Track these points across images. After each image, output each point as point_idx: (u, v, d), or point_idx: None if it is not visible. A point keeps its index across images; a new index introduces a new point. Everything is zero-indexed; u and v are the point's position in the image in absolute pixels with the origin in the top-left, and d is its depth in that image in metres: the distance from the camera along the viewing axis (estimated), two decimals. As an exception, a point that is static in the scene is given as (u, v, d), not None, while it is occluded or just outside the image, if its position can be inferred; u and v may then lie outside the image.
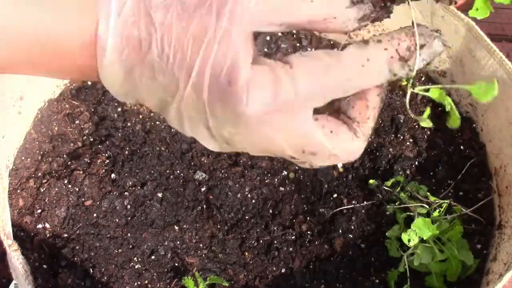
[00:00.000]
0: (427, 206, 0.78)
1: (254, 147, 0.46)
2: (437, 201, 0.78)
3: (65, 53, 0.48)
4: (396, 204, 0.79)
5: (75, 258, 0.75)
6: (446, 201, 0.78)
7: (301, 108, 0.44)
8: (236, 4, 0.43)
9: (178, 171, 0.83)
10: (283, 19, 0.44)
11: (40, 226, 0.78)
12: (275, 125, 0.44)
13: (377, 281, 0.77)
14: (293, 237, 0.79)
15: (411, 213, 0.77)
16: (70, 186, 0.81)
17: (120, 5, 0.47)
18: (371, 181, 0.83)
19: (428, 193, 0.79)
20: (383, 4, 0.44)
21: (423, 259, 0.74)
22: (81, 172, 0.82)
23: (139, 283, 0.76)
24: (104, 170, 0.83)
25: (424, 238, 0.74)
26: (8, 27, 0.45)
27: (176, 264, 0.77)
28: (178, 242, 0.78)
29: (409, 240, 0.74)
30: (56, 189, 0.80)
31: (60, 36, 0.47)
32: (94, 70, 0.48)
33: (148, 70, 0.47)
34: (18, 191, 0.80)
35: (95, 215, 0.80)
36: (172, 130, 0.84)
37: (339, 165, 0.85)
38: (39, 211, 0.79)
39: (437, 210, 0.77)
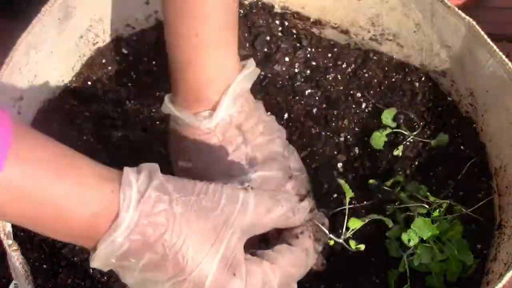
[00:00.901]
0: (427, 206, 0.77)
1: None
2: (437, 201, 0.78)
3: (71, 219, 0.53)
4: (396, 204, 0.79)
5: (75, 258, 0.75)
6: (446, 201, 0.78)
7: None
8: (239, 215, 0.57)
9: (178, 171, 0.83)
10: (270, 225, 0.63)
11: (40, 226, 0.78)
12: None
13: (377, 281, 0.77)
14: (293, 237, 0.79)
15: (411, 213, 0.77)
16: (70, 186, 0.81)
17: (143, 187, 0.55)
18: (371, 181, 0.83)
19: (428, 193, 0.79)
20: None
21: (423, 259, 0.74)
22: (81, 172, 0.82)
23: (139, 283, 0.75)
24: (104, 170, 0.82)
25: (424, 238, 0.74)
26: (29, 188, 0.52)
27: (176, 264, 0.77)
28: (178, 242, 0.78)
29: (409, 240, 0.74)
30: (56, 189, 0.80)
31: (73, 203, 0.53)
32: (90, 240, 0.55)
33: (151, 253, 0.55)
34: (18, 191, 0.80)
35: (95, 215, 0.79)
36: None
37: (339, 166, 0.85)
38: (39, 211, 0.79)
39: (437, 210, 0.77)
